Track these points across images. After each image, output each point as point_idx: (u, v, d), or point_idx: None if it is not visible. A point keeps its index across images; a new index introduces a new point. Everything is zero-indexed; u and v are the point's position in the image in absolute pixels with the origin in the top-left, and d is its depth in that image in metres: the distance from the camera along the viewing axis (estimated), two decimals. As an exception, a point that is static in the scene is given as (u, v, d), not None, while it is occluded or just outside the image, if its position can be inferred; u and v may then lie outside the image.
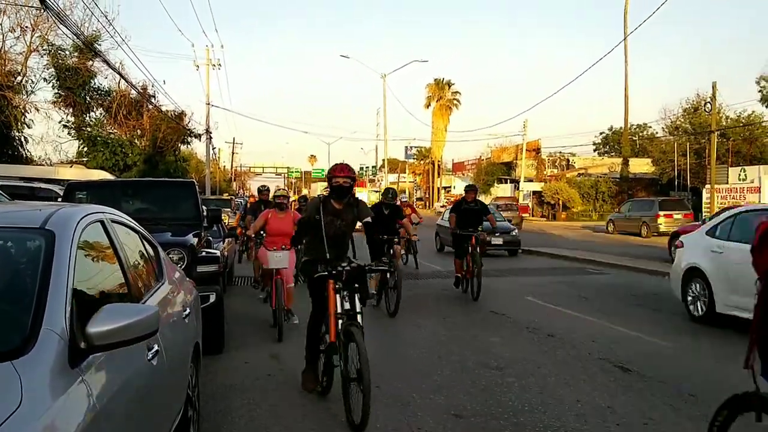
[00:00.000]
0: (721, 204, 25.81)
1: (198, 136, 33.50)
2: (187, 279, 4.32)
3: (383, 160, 55.81)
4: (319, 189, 69.39)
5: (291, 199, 14.05)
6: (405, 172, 71.59)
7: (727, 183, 29.13)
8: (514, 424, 4.14)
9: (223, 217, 12.11)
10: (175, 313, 3.34)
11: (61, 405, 1.67)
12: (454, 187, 59.36)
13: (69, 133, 27.58)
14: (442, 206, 52.16)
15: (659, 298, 9.53)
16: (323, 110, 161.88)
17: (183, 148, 34.02)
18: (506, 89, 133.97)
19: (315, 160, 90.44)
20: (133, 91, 27.57)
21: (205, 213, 8.20)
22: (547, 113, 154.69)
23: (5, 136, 22.15)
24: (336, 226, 4.75)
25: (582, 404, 4.55)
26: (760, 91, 33.58)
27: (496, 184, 48.61)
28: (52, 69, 25.58)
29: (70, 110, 27.20)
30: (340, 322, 4.31)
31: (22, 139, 23.87)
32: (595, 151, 52.23)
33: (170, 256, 5.58)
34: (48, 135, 32.82)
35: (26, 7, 22.21)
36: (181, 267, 5.70)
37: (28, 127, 24.20)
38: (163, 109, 29.52)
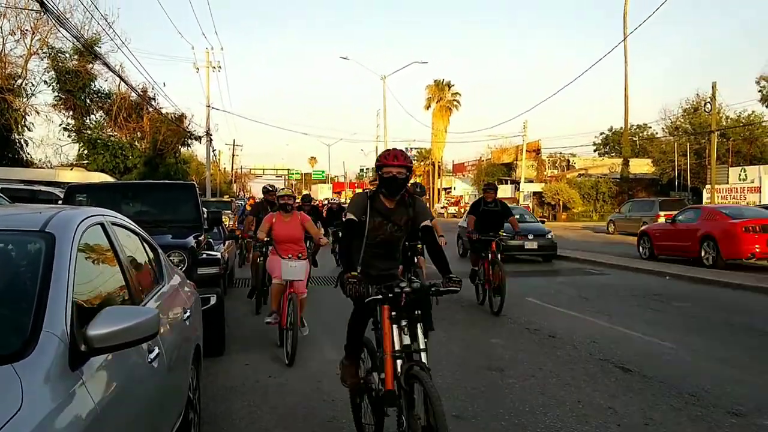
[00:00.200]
0: (720, 204, 25.80)
1: (198, 139, 33.59)
2: (188, 281, 4.32)
3: (383, 161, 55.72)
4: (320, 191, 69.41)
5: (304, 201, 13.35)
6: (405, 174, 71.42)
7: (728, 183, 29.15)
8: (515, 426, 4.14)
9: (223, 219, 12.12)
10: (175, 316, 3.34)
11: (62, 408, 1.67)
12: (455, 188, 59.44)
13: (69, 136, 27.67)
14: (442, 207, 52.32)
15: (660, 299, 9.53)
16: (323, 111, 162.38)
17: (183, 150, 34.13)
18: (506, 90, 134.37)
19: (315, 162, 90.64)
20: (133, 94, 27.66)
21: (205, 215, 8.22)
22: (547, 114, 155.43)
23: (5, 139, 22.19)
24: (386, 230, 3.76)
25: (583, 405, 4.55)
26: (760, 91, 33.64)
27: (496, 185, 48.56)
28: (53, 72, 25.65)
29: (71, 113, 27.26)
30: (399, 363, 3.26)
31: (23, 142, 23.95)
32: (595, 151, 52.39)
33: (171, 258, 5.58)
34: (48, 138, 33.01)
35: (26, 10, 22.28)
36: (181, 269, 5.71)
37: (29, 130, 24.30)
38: (164, 111, 29.62)
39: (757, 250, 12.66)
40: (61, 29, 18.36)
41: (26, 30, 23.41)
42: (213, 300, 5.78)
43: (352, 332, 3.81)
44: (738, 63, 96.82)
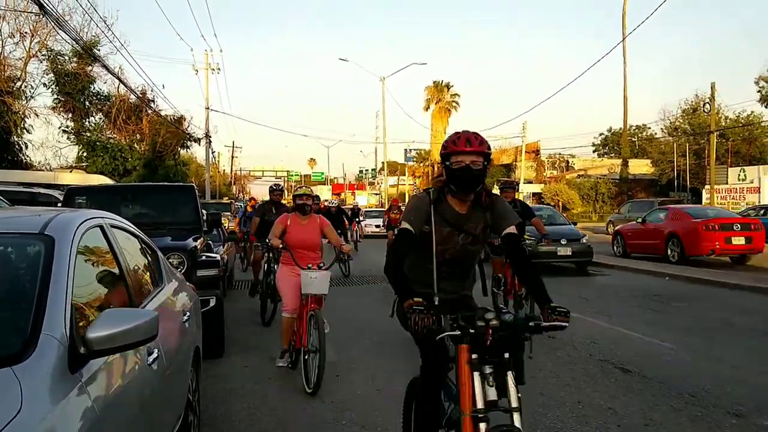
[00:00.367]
0: (720, 204, 25.84)
1: (197, 140, 33.60)
2: (187, 283, 4.32)
3: (383, 162, 55.88)
4: (319, 192, 69.30)
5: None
6: (405, 175, 71.59)
7: (727, 183, 29.18)
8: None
9: (223, 221, 12.11)
10: (175, 318, 3.34)
11: (61, 410, 1.67)
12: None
13: (68, 138, 27.71)
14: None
15: (659, 299, 9.54)
16: (322, 113, 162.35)
17: (182, 152, 34.14)
18: (506, 90, 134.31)
19: (314, 164, 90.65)
20: (132, 96, 27.67)
21: (204, 217, 8.21)
22: (547, 115, 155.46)
23: (5, 141, 22.20)
24: (456, 243, 2.86)
25: (583, 406, 4.55)
26: (759, 91, 33.67)
27: (495, 186, 48.65)
28: (52, 74, 25.68)
29: (70, 115, 27.30)
30: (483, 427, 2.35)
31: (22, 144, 23.97)
32: (594, 152, 52.38)
33: (170, 260, 5.57)
34: (48, 140, 32.97)
35: (26, 13, 22.30)
36: (180, 271, 5.70)
37: (28, 133, 24.34)
38: (163, 113, 29.70)
39: (717, 246, 13.62)
40: (60, 32, 18.43)
41: (25, 32, 23.48)
42: (212, 302, 5.78)
43: (424, 402, 2.77)
44: (737, 63, 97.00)
